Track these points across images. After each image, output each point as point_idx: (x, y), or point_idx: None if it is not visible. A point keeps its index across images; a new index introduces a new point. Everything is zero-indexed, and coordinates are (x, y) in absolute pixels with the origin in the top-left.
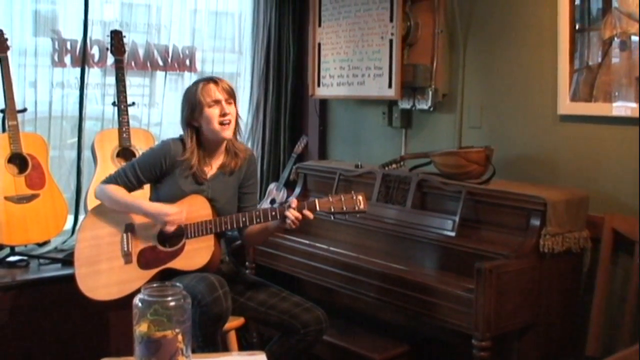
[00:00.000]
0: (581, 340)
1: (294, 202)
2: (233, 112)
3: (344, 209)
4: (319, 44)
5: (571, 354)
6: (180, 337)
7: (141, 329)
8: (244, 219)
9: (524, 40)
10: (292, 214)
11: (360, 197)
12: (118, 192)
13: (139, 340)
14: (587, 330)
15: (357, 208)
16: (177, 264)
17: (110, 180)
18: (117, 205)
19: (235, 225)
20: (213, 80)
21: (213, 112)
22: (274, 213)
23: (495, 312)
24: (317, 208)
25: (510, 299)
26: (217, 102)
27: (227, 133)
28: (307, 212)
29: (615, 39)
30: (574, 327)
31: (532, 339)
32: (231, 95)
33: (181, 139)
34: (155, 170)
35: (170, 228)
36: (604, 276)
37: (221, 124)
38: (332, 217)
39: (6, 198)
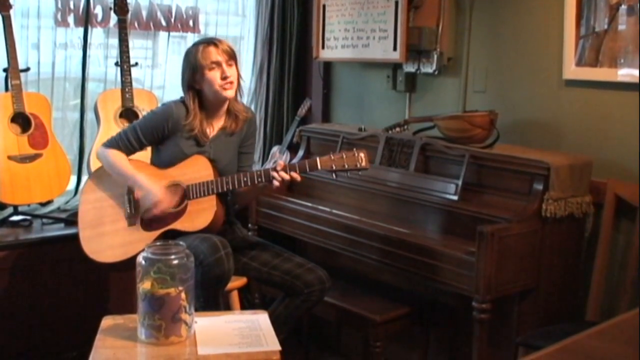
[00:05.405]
0: (581, 304)
1: (280, 164)
2: (234, 73)
3: (346, 166)
4: (324, 6)
5: (571, 318)
6: (183, 294)
7: (144, 286)
8: (245, 179)
9: (531, 4)
10: (278, 175)
11: (362, 155)
12: (117, 159)
13: (142, 297)
14: (588, 295)
15: (359, 165)
16: (180, 224)
17: (111, 143)
18: (114, 173)
19: (237, 185)
20: (213, 42)
21: (214, 75)
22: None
23: (496, 275)
24: (319, 166)
25: (511, 262)
26: (218, 64)
27: (229, 92)
28: (294, 175)
29: (623, 4)
30: (575, 291)
31: (532, 303)
32: (231, 56)
33: (183, 102)
34: (157, 133)
35: (154, 210)
36: (606, 241)
37: (222, 86)
38: (334, 176)
39: (9, 157)
